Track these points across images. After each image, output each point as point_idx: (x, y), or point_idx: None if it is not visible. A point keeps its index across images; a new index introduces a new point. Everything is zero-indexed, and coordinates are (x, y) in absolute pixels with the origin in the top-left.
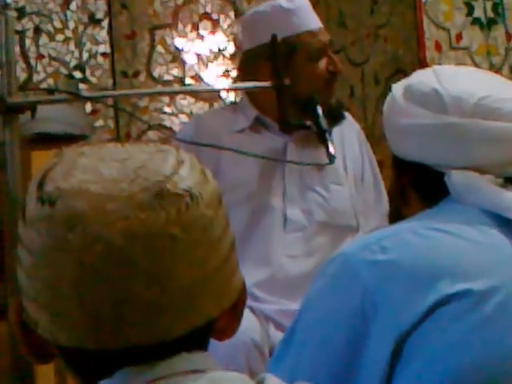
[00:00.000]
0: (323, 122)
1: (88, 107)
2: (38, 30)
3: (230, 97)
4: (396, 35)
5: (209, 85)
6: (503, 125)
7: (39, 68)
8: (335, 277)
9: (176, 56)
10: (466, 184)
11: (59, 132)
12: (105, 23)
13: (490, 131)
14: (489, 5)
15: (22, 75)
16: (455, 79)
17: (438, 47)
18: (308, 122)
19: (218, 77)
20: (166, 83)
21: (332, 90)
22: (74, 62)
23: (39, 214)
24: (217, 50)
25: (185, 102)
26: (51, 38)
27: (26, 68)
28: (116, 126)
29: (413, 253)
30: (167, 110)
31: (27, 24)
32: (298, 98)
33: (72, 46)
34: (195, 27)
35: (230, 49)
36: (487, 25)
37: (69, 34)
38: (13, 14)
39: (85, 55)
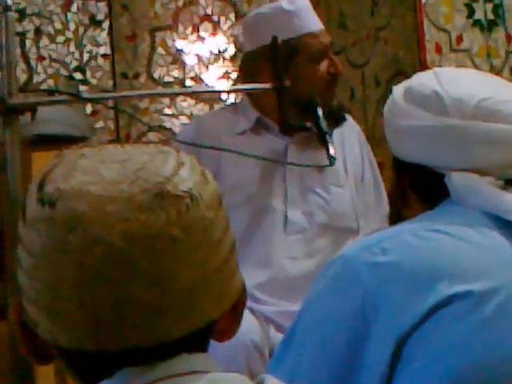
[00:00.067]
0: (323, 124)
1: (88, 108)
2: (38, 32)
3: (231, 98)
4: (396, 37)
5: (209, 86)
6: (504, 127)
7: (39, 69)
8: (336, 278)
9: (176, 58)
10: (467, 186)
11: (59, 133)
12: (105, 25)
13: (490, 133)
14: (489, 7)
15: (22, 76)
16: (456, 81)
17: (439, 49)
18: (308, 124)
19: (219, 78)
20: (167, 85)
21: (333, 91)
22: (74, 64)
23: (39, 215)
24: (217, 52)
25: (185, 103)
26: (52, 39)
27: (26, 69)
28: (116, 128)
29: (413, 254)
30: (167, 111)
31: (28, 25)
32: (299, 100)
33: (72, 48)
34: (196, 29)
35: (231, 50)
36: (488, 27)
37: (69, 35)
38: (13, 15)
39: (85, 57)
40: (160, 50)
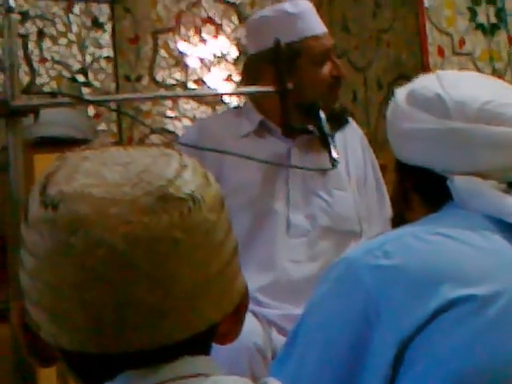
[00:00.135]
0: (326, 127)
1: (91, 111)
2: (41, 34)
3: (233, 101)
4: (399, 40)
5: (212, 89)
6: (506, 130)
7: (42, 71)
8: (338, 281)
9: (179, 60)
10: (469, 189)
11: (62, 135)
12: (108, 27)
13: (493, 136)
14: (492, 10)
15: (25, 79)
16: (458, 84)
17: (441, 52)
18: (311, 127)
19: (221, 81)
20: (169, 87)
21: (336, 94)
22: (76, 66)
23: (42, 218)
24: (220, 55)
25: (188, 106)
26: (54, 41)
27: (29, 71)
28: (119, 130)
29: (415, 257)
30: (170, 113)
31: (31, 27)
32: (302, 103)
33: (75, 50)
34: (198, 31)
35: (233, 53)
36: (490, 30)
37: (72, 37)
38: (16, 17)
39: (88, 59)
40: (162, 52)
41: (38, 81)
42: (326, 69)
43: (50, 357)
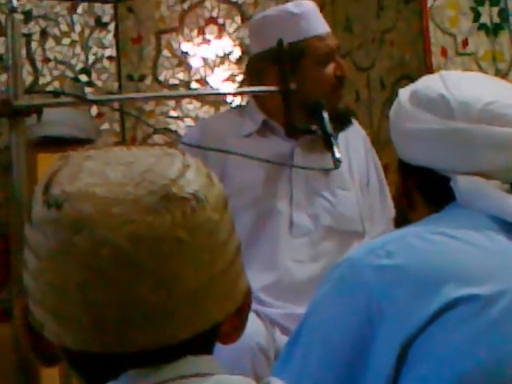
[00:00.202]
0: (329, 127)
1: (94, 111)
2: (44, 34)
3: (236, 101)
4: (402, 40)
5: (215, 89)
6: (509, 130)
7: (45, 71)
8: (341, 281)
9: (182, 60)
10: (472, 189)
11: (65, 135)
12: (111, 27)
13: (496, 137)
14: (495, 10)
15: (28, 78)
16: (462, 84)
17: (444, 53)
18: (314, 127)
19: (224, 81)
20: (172, 87)
21: (339, 94)
22: (80, 66)
23: (46, 217)
24: (223, 55)
25: (191, 105)
26: (57, 41)
27: (32, 71)
28: (121, 130)
29: (418, 257)
30: (173, 113)
31: (34, 27)
32: (305, 103)
33: (78, 50)
34: (201, 31)
35: (236, 53)
36: (493, 30)
37: (75, 37)
38: (19, 17)
39: (91, 59)
40: (166, 52)
41: (41, 80)
42: (330, 69)
43: (54, 356)
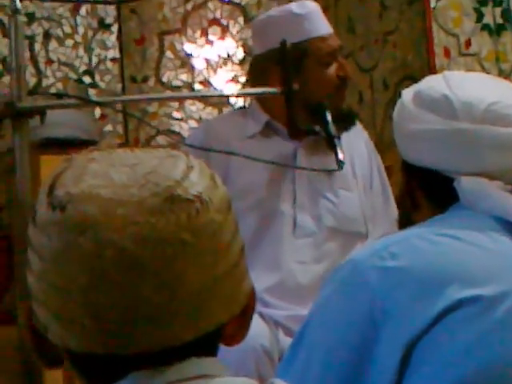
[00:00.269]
0: (332, 128)
1: (97, 112)
2: (47, 35)
3: (239, 102)
4: (405, 41)
5: (218, 90)
6: None
7: (48, 73)
8: (344, 283)
9: (185, 61)
10: (476, 190)
11: (68, 137)
12: (114, 28)
13: (499, 137)
14: (498, 11)
15: (31, 80)
16: (465, 85)
17: (447, 53)
18: (317, 128)
19: (227, 82)
20: (175, 88)
21: (342, 95)
22: (83, 67)
23: (50, 219)
24: (226, 56)
25: (194, 107)
26: (61, 43)
27: (35, 73)
28: (125, 131)
29: (422, 259)
30: (176, 115)
31: (37, 29)
32: (308, 104)
33: (81, 51)
34: (204, 33)
35: (239, 54)
36: (496, 31)
37: (78, 39)
38: (23, 18)
39: (94, 60)
40: (169, 53)
41: (45, 82)
42: (333, 69)
43: (58, 358)
